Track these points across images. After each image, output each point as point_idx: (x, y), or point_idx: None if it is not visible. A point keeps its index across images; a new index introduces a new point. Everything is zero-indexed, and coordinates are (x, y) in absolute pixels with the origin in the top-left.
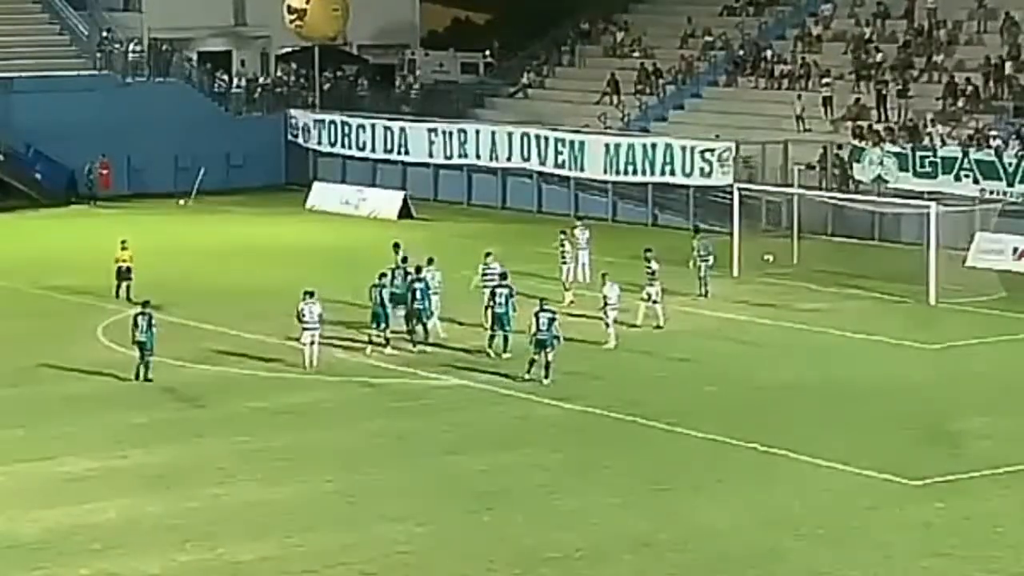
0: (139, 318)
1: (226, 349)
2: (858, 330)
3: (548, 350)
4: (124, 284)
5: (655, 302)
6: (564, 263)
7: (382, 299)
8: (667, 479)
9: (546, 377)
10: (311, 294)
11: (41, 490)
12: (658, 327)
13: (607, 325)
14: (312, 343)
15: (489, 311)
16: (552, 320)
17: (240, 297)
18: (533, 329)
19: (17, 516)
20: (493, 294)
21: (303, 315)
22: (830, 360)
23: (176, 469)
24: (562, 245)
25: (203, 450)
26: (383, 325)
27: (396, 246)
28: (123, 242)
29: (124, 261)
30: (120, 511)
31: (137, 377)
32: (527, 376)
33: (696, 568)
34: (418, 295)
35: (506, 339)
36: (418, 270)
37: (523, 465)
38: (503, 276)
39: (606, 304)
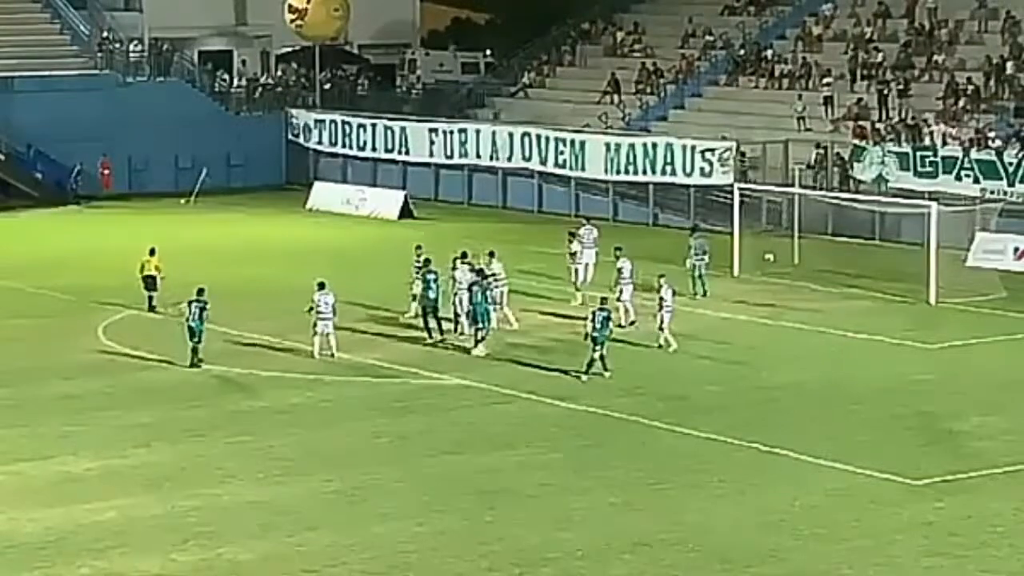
0: (192, 304)
1: (226, 349)
2: (858, 330)
3: (599, 347)
4: (150, 295)
5: (620, 300)
6: (576, 264)
7: (484, 298)
8: (667, 479)
9: (606, 371)
10: (323, 285)
11: (41, 490)
12: (625, 325)
13: (661, 328)
14: (327, 333)
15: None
16: (607, 319)
17: (240, 297)
18: (589, 327)
19: (17, 516)
20: (469, 290)
21: (318, 306)
22: (830, 360)
23: (176, 469)
24: (570, 245)
25: (203, 450)
26: (485, 323)
27: (418, 248)
28: (151, 250)
29: (153, 271)
30: (120, 511)
31: (192, 364)
32: (584, 377)
33: (696, 568)
34: (432, 287)
35: (479, 333)
36: (427, 262)
37: (523, 465)
38: (479, 272)
39: (662, 306)
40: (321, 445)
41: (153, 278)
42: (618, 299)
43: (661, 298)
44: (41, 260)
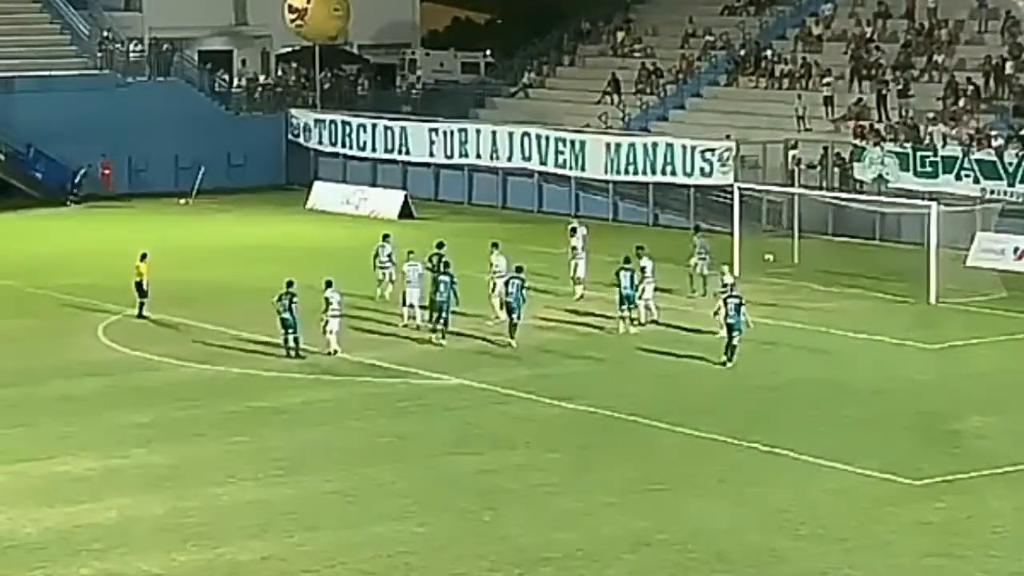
0: (284, 297)
1: (226, 349)
2: (858, 330)
3: (736, 334)
4: (141, 302)
5: (642, 298)
6: (574, 259)
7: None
8: (667, 479)
9: (729, 360)
10: (330, 283)
11: (41, 490)
12: (653, 322)
13: (716, 313)
14: (337, 330)
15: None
16: (739, 306)
17: (240, 297)
18: (722, 315)
19: (17, 516)
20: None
21: (329, 302)
22: (830, 360)
23: (176, 469)
24: (572, 240)
25: (203, 450)
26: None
27: (385, 237)
28: (143, 255)
29: (142, 276)
30: (120, 511)
31: (288, 355)
32: (728, 364)
33: (696, 568)
34: (441, 288)
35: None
36: (446, 265)
37: (523, 465)
38: (447, 265)
39: (729, 293)
40: (320, 445)
41: (143, 284)
42: (640, 298)
43: (725, 284)
44: (41, 260)
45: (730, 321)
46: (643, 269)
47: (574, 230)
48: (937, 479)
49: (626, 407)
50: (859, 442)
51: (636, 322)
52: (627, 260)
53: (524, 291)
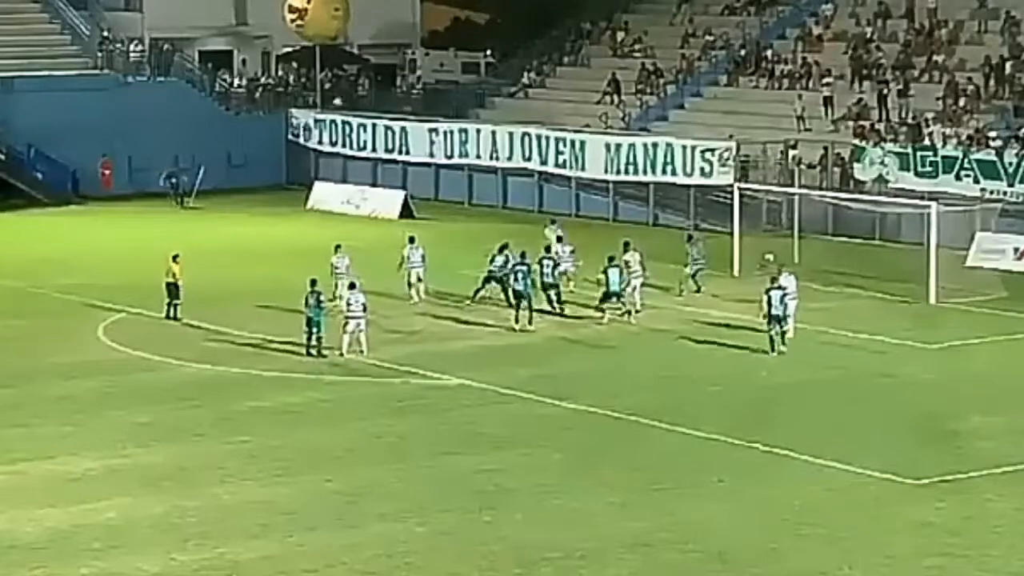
0: (309, 297)
1: (226, 349)
2: (858, 330)
3: (784, 323)
4: (174, 303)
5: (634, 289)
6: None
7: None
8: (667, 479)
9: (783, 345)
10: (354, 285)
11: (41, 490)
12: (636, 311)
13: (763, 309)
14: (358, 332)
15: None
16: (784, 296)
17: (240, 297)
18: (765, 307)
19: (17, 516)
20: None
21: (350, 304)
22: (831, 360)
23: (176, 469)
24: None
25: (203, 450)
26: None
27: (411, 239)
28: (175, 256)
29: (175, 277)
30: (120, 511)
31: (308, 353)
32: (773, 354)
33: (696, 568)
34: (519, 277)
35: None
36: (523, 255)
37: (523, 465)
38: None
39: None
40: (320, 445)
41: (175, 285)
42: (631, 288)
43: (782, 287)
44: (41, 260)
45: (775, 312)
46: (627, 264)
47: (560, 238)
48: (937, 479)
49: (626, 407)
50: (859, 442)
51: (626, 315)
52: (612, 259)
53: (531, 278)
